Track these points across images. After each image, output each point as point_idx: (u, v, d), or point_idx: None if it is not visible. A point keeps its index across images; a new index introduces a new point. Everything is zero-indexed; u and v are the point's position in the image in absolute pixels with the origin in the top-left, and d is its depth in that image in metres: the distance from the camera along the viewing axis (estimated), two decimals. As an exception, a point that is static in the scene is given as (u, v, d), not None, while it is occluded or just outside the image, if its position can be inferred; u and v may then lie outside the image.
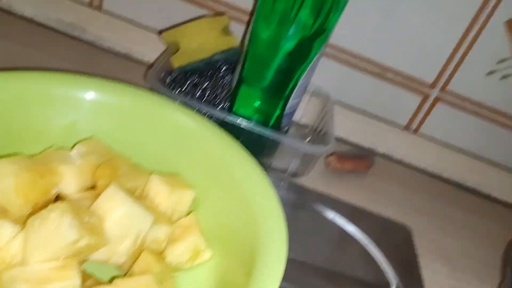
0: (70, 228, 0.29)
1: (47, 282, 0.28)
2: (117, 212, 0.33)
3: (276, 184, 0.54)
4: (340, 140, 0.70)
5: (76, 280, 0.28)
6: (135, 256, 0.35)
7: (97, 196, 0.35)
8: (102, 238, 0.32)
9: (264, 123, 0.55)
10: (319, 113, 0.64)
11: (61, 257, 0.29)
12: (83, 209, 0.32)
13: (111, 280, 0.33)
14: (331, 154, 0.62)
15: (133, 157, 0.42)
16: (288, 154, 0.55)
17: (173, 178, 0.42)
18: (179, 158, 0.43)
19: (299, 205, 0.54)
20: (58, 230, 0.29)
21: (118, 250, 0.33)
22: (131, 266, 0.35)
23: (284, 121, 0.56)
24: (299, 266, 0.47)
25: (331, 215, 0.54)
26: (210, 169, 0.42)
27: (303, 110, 0.66)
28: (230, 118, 0.50)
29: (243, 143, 0.42)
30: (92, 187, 0.38)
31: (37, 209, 0.34)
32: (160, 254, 0.37)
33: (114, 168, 0.38)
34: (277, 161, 0.56)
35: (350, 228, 0.54)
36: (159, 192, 0.40)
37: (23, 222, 0.32)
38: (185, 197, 0.41)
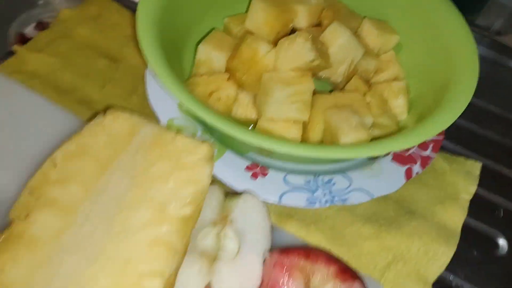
0: (309, 51, 0.40)
1: (291, 84, 0.39)
2: (339, 41, 0.42)
3: (478, 40, 0.56)
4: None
5: (311, 85, 0.40)
6: (348, 78, 0.44)
7: (322, 31, 0.45)
8: (328, 61, 0.42)
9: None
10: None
11: (300, 70, 0.40)
12: (316, 39, 0.42)
13: (329, 92, 0.44)
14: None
15: (350, 4, 0.50)
16: (495, 10, 0.55)
17: (381, 23, 0.49)
18: (388, 6, 0.49)
19: (499, 64, 0.56)
20: (301, 51, 0.40)
21: (337, 72, 0.43)
22: (344, 86, 0.45)
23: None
24: (492, 116, 0.51)
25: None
26: (415, 18, 0.47)
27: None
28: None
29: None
30: (318, 25, 0.48)
31: (277, 38, 0.46)
32: (367, 82, 0.46)
33: (335, 11, 0.47)
34: (483, 18, 0.57)
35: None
36: (369, 33, 0.47)
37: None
38: (391, 40, 0.48)
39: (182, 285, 0.30)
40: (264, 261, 0.33)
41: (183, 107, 0.42)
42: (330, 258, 0.32)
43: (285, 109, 0.40)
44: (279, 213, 0.40)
